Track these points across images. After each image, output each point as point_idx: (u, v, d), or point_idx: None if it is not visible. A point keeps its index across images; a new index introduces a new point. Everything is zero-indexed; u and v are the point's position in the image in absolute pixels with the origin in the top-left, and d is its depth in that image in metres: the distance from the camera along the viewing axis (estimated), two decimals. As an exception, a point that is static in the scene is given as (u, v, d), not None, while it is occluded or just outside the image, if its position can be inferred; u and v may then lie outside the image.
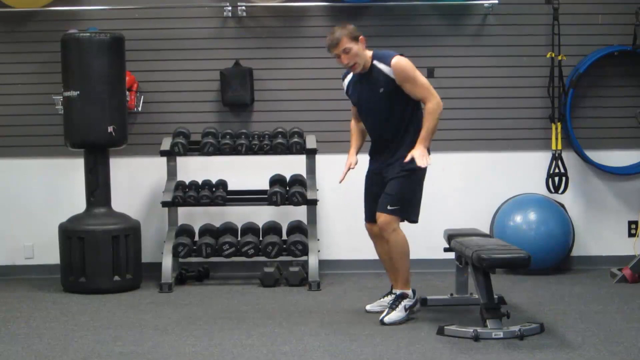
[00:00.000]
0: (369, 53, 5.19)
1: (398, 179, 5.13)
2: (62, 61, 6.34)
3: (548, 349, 4.54)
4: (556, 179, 6.89)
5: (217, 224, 6.72)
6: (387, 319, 5.12)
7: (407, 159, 5.04)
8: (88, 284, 6.23)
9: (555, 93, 6.90)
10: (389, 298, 5.38)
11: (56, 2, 6.93)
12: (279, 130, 6.79)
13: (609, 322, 5.14)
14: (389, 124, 5.20)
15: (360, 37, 5.14)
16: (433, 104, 5.10)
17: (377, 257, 5.52)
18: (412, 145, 5.09)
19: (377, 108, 5.20)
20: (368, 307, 5.48)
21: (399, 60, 5.10)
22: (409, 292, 5.22)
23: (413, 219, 5.24)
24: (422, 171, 5.14)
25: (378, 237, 5.31)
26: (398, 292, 5.23)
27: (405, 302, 5.15)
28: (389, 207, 5.11)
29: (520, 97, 7.08)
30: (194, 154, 6.74)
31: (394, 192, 5.13)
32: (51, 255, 6.67)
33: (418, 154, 5.02)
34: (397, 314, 5.14)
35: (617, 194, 7.14)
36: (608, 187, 7.14)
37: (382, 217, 5.14)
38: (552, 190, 6.90)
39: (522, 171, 7.08)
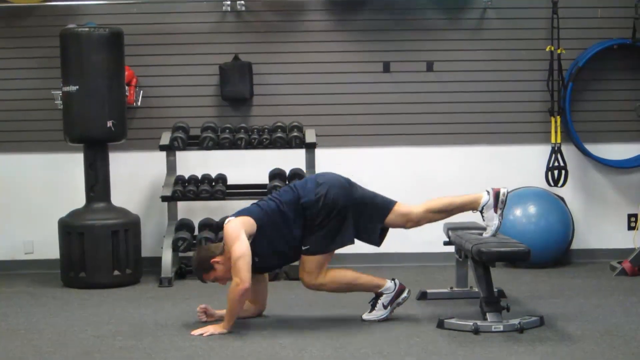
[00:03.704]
0: None
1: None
2: (61, 56, 6.33)
3: (548, 342, 4.54)
4: (555, 172, 6.88)
5: (217, 218, 6.71)
6: (365, 316, 5.10)
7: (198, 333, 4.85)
8: (88, 278, 6.24)
9: (555, 86, 6.90)
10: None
11: (55, -3, 6.94)
12: (278, 124, 6.78)
13: (608, 315, 5.14)
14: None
15: (211, 260, 4.93)
16: (234, 283, 4.78)
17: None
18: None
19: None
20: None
21: (225, 226, 4.92)
22: (383, 287, 5.08)
23: (343, 244, 5.05)
24: (320, 217, 4.93)
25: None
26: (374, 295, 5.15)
27: (382, 300, 5.09)
28: (302, 248, 4.98)
29: (519, 90, 7.07)
30: (194, 148, 6.74)
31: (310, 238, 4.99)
32: (51, 250, 6.67)
33: (207, 329, 4.84)
34: (376, 312, 5.09)
35: (617, 187, 7.14)
36: (607, 181, 7.14)
37: (301, 273, 5.06)
38: (552, 184, 6.89)
39: (521, 164, 7.07)
